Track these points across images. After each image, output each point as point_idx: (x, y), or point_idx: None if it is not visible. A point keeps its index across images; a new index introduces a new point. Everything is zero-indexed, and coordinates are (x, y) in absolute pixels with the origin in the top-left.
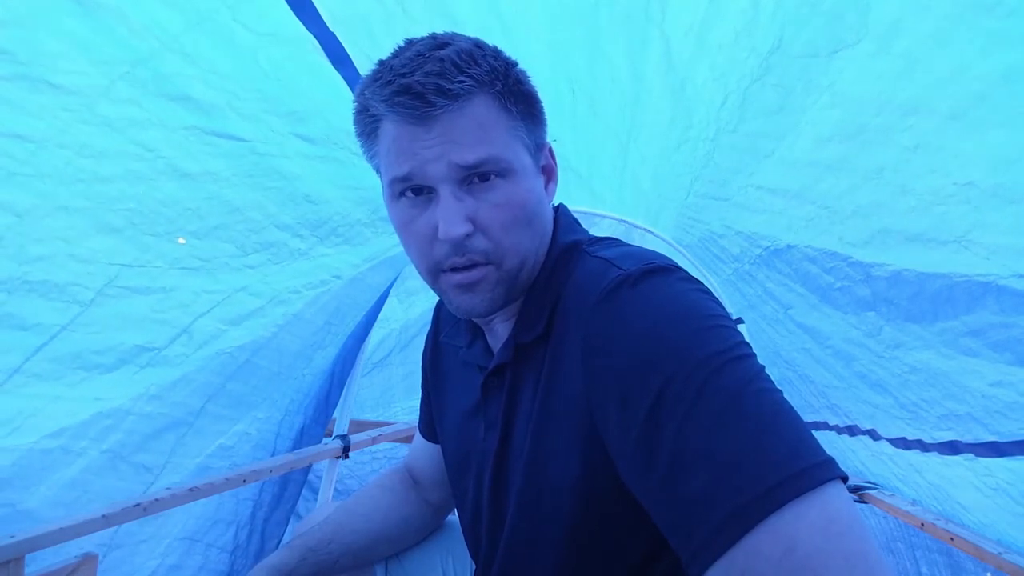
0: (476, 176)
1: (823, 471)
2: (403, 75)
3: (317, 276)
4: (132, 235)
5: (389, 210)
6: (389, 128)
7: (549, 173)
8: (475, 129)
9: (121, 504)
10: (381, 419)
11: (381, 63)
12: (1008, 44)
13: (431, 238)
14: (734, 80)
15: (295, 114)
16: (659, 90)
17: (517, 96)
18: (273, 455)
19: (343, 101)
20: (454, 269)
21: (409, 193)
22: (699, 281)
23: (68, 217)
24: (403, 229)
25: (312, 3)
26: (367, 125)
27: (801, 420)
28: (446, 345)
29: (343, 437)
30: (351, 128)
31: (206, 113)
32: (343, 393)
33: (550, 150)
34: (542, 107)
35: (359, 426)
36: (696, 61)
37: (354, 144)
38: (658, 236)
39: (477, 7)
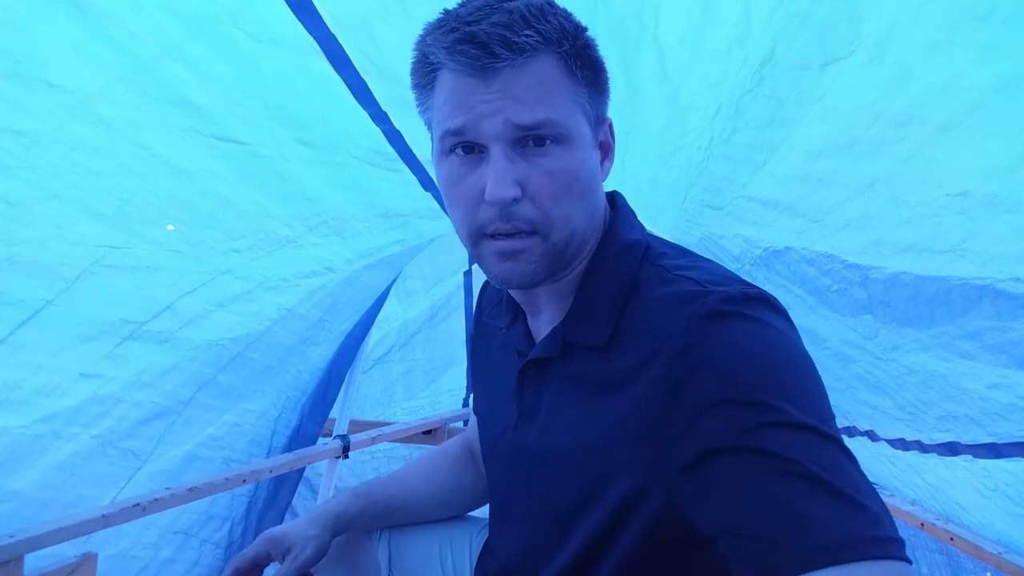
0: (531, 139)
1: (900, 548)
2: (468, 23)
3: (307, 266)
4: (123, 222)
5: (436, 168)
6: (447, 79)
7: (606, 150)
8: (536, 88)
9: (121, 504)
10: (381, 419)
11: (446, 11)
12: (1002, 53)
13: (478, 200)
14: (727, 90)
15: (296, 119)
16: (654, 96)
17: (584, 60)
18: (269, 452)
19: (344, 105)
20: (497, 235)
21: (459, 150)
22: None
23: (60, 206)
24: (450, 188)
25: (313, 5)
26: (424, 75)
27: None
28: (487, 325)
29: (343, 437)
30: (351, 132)
31: (206, 118)
32: (343, 393)
33: (610, 126)
34: (607, 78)
35: (359, 426)
36: (689, 70)
37: (354, 147)
38: (654, 234)
39: None
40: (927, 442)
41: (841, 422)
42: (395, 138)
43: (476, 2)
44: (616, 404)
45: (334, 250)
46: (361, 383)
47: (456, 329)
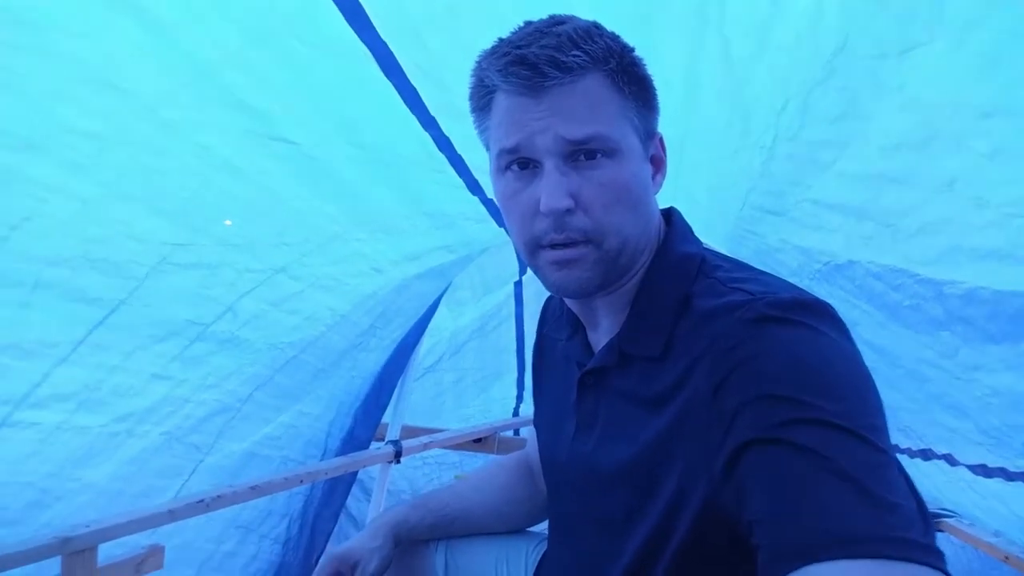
0: (582, 153)
1: (930, 555)
2: (519, 47)
3: (355, 265)
4: (185, 220)
5: (494, 184)
6: (501, 100)
7: (658, 164)
8: (585, 105)
9: (186, 500)
10: (432, 426)
11: (500, 39)
12: None
13: (533, 212)
14: (795, 83)
15: (347, 123)
16: (715, 94)
17: (631, 77)
18: (324, 453)
19: (394, 110)
20: (553, 246)
21: (515, 166)
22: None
23: (127, 204)
24: (506, 202)
25: (366, 14)
26: (481, 98)
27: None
28: (550, 338)
29: (395, 442)
30: (401, 135)
31: (262, 119)
32: (395, 399)
33: (661, 140)
34: (656, 94)
35: (411, 432)
36: (755, 63)
37: (404, 150)
38: (711, 248)
39: (527, 12)
40: (1013, 469)
41: (916, 444)
42: (444, 143)
43: (527, 29)
44: (667, 413)
45: (380, 248)
46: (412, 390)
47: (506, 339)
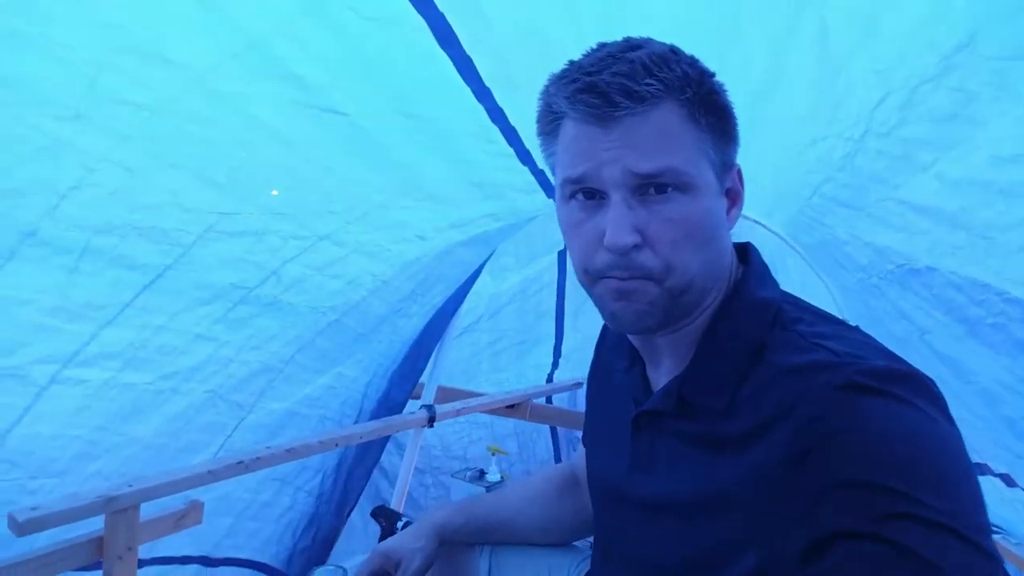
0: (653, 187)
1: None
2: (589, 73)
3: (399, 232)
4: (232, 190)
5: (558, 210)
6: (569, 127)
7: (734, 198)
8: (657, 137)
9: (225, 461)
10: (466, 387)
11: (571, 62)
12: None
13: (596, 244)
14: (901, 77)
15: (399, 93)
16: (802, 81)
17: (708, 107)
18: (360, 414)
19: (446, 79)
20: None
21: (580, 196)
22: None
23: (175, 173)
24: (569, 231)
25: None
26: (549, 123)
27: None
28: (607, 362)
29: (429, 407)
30: (454, 106)
31: (312, 90)
32: (432, 364)
33: (739, 172)
34: (736, 124)
35: (446, 393)
36: (857, 51)
37: (453, 117)
38: (771, 230)
39: None
40: None
41: (972, 457)
42: (497, 114)
43: (599, 53)
44: (733, 469)
45: (425, 216)
46: (450, 349)
47: (547, 305)
